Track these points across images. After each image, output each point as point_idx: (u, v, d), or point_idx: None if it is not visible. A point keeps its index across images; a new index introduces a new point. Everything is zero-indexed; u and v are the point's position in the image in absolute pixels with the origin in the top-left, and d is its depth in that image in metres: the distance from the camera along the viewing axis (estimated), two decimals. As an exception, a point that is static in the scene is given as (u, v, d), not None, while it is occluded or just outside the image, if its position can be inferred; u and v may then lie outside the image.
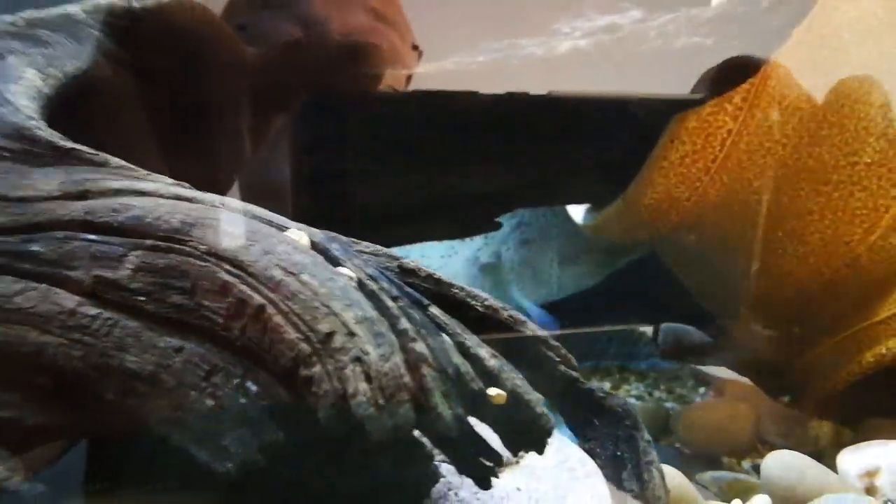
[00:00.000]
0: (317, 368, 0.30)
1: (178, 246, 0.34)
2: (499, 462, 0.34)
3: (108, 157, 0.41)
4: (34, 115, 0.43)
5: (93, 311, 0.34)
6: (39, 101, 0.44)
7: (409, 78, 0.64)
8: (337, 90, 0.64)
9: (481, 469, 0.34)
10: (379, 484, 0.33)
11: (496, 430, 0.34)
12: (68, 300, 0.34)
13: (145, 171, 0.40)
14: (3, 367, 0.34)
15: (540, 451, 0.34)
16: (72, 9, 0.51)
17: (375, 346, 0.30)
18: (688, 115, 0.56)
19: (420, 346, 0.31)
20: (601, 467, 0.38)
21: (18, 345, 0.34)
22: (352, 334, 0.30)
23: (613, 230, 0.66)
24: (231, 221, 0.34)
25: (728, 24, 0.53)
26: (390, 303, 0.33)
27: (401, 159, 0.62)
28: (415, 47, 0.63)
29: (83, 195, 0.38)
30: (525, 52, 0.52)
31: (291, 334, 0.31)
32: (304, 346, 0.30)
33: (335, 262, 0.34)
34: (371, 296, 0.33)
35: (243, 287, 0.32)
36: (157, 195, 0.37)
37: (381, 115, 0.58)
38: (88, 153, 0.41)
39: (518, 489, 0.38)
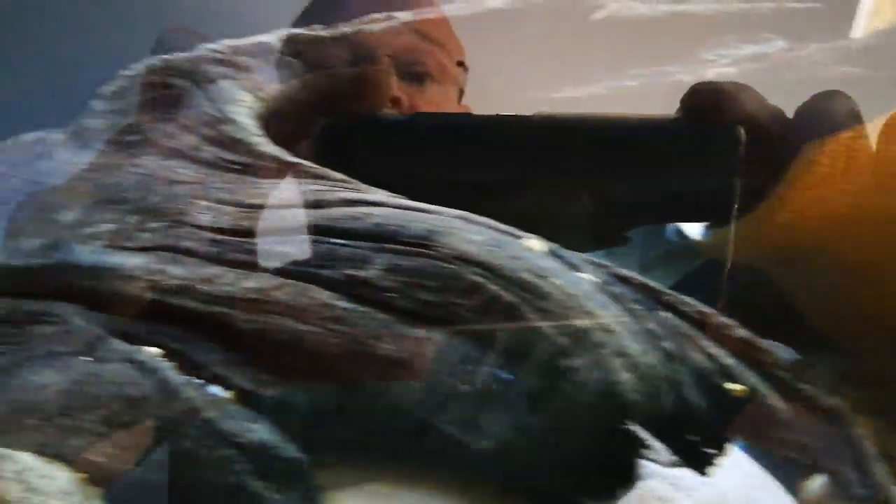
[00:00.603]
0: (578, 360, 0.34)
1: (424, 250, 0.38)
2: (721, 451, 0.37)
3: (328, 170, 0.46)
4: (257, 132, 0.48)
5: (346, 304, 0.39)
6: (256, 120, 0.50)
7: (461, 93, 0.68)
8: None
9: (704, 457, 0.37)
10: (609, 464, 0.37)
11: (722, 422, 0.38)
12: (322, 294, 0.39)
13: (364, 185, 0.45)
14: (264, 352, 0.39)
15: None
16: (266, 38, 0.57)
17: (634, 343, 0.34)
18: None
19: (668, 344, 0.35)
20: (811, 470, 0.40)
21: (278, 332, 0.39)
22: (610, 331, 0.35)
23: (737, 248, 0.69)
24: (473, 230, 0.39)
25: (875, 54, 0.56)
26: (633, 305, 0.37)
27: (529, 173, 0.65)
28: (460, 63, 0.67)
29: (318, 204, 0.43)
30: (672, 77, 0.56)
31: (548, 330, 0.35)
32: (563, 340, 0.35)
33: (574, 268, 0.39)
34: (615, 298, 0.37)
35: (493, 287, 0.37)
36: (388, 205, 0.42)
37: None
38: (310, 167, 0.46)
39: (704, 483, 0.42)
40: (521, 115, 0.54)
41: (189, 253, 0.43)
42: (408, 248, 0.39)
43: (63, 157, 0.54)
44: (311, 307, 0.39)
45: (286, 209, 0.43)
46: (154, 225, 0.45)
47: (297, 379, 0.39)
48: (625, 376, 0.34)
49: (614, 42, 0.60)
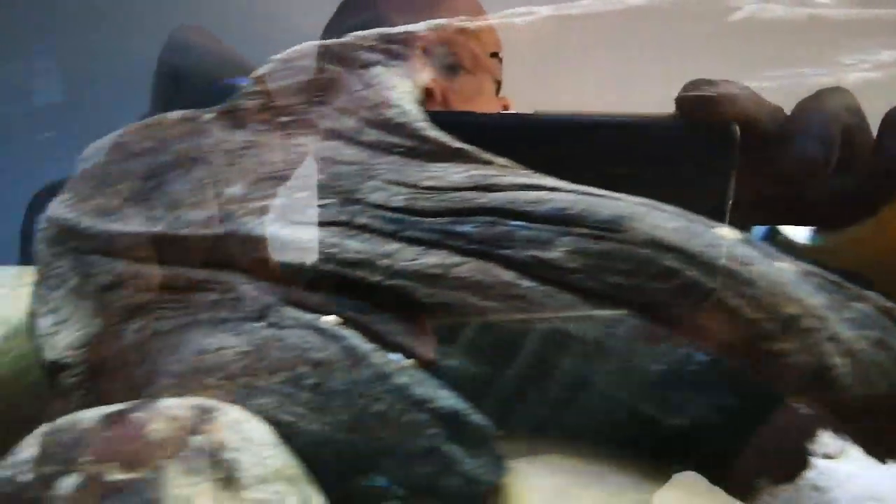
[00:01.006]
0: (787, 344, 0.36)
1: (612, 234, 0.40)
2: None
3: (492, 156, 0.48)
4: (420, 117, 0.51)
5: (529, 283, 0.41)
6: (417, 105, 0.52)
7: (499, 84, 0.68)
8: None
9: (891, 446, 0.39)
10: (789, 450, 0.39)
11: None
12: (504, 273, 0.41)
13: (528, 169, 0.47)
14: (445, 325, 0.41)
15: None
16: (416, 27, 0.59)
17: (846, 329, 0.36)
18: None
19: (873, 332, 0.36)
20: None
21: (461, 307, 0.41)
22: (820, 318, 0.36)
23: (854, 252, 0.69)
24: (662, 216, 0.41)
25: None
26: (836, 294, 0.38)
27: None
28: (494, 55, 0.67)
29: (492, 188, 0.45)
30: (811, 80, 0.57)
31: (753, 315, 0.37)
32: (770, 325, 0.36)
33: (770, 256, 0.40)
34: (819, 287, 0.38)
35: (692, 273, 0.38)
36: (565, 190, 0.44)
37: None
38: (474, 152, 0.48)
39: (857, 474, 0.43)
40: (516, 114, 0.54)
41: (365, 229, 0.45)
42: (594, 231, 0.40)
43: (218, 134, 0.57)
44: (495, 285, 0.41)
45: (460, 191, 0.45)
46: (324, 201, 0.48)
47: (476, 352, 0.41)
48: (838, 361, 0.35)
49: (751, 44, 0.61)
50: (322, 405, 0.41)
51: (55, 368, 0.53)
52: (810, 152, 0.50)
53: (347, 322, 0.44)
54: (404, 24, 1.06)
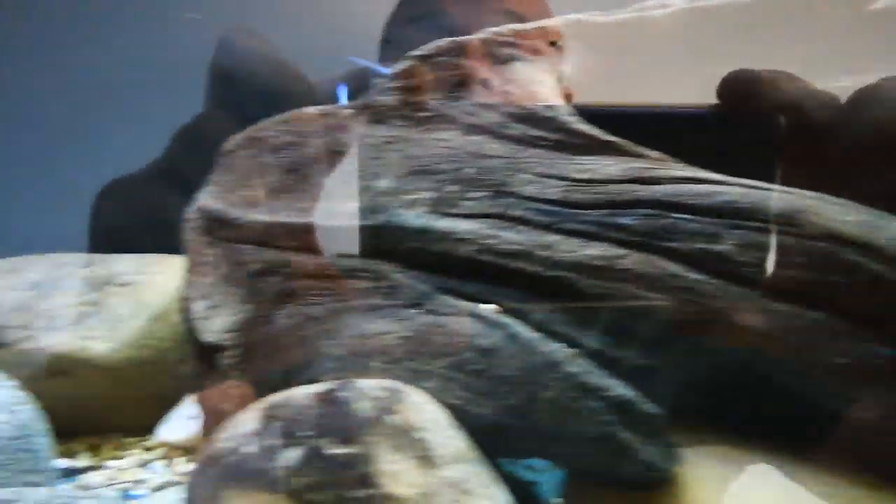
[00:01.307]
0: None
1: (787, 227, 0.40)
2: None
3: (644, 149, 0.49)
4: (567, 110, 0.52)
5: (697, 275, 0.42)
6: (563, 99, 0.53)
7: (560, 74, 0.67)
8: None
9: None
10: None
11: None
12: (670, 266, 0.42)
13: (681, 163, 0.47)
14: (608, 316, 0.43)
15: None
16: (551, 22, 0.60)
17: None
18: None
19: None
20: None
21: (625, 298, 0.42)
22: None
23: None
24: (839, 210, 0.41)
25: None
26: None
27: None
28: (552, 43, 0.66)
29: (650, 181, 0.46)
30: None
31: None
32: None
33: None
34: None
35: (877, 267, 0.38)
36: (730, 184, 0.44)
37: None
38: (625, 145, 0.49)
39: None
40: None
41: (520, 221, 0.47)
42: (768, 225, 0.41)
43: (359, 129, 0.59)
44: (661, 277, 0.42)
45: (617, 184, 0.46)
46: (476, 194, 0.50)
47: (644, 343, 0.42)
48: None
49: (892, 31, 0.59)
50: (488, 390, 0.43)
51: (212, 350, 0.57)
52: (864, 144, 0.49)
53: (506, 311, 0.45)
54: (463, 15, 1.06)
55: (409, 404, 0.37)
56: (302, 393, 0.37)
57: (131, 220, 0.93)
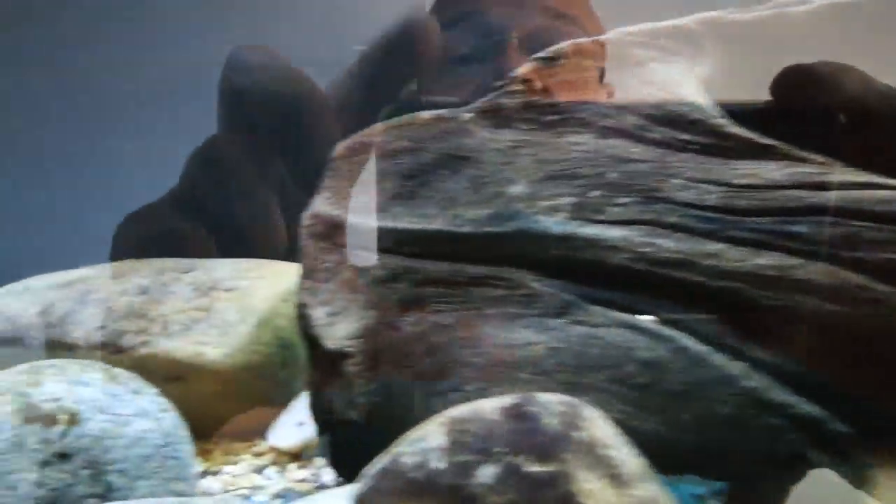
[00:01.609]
0: None
1: None
2: None
3: (807, 153, 0.47)
4: (716, 113, 0.50)
5: (887, 288, 0.39)
6: (711, 101, 0.51)
7: (602, 71, 0.64)
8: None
9: None
10: None
11: None
12: (854, 277, 0.40)
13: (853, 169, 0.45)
14: (782, 329, 0.41)
15: None
16: (683, 21, 0.58)
17: None
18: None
19: None
20: None
21: (802, 311, 0.40)
22: None
23: None
24: None
25: None
26: None
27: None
28: (598, 41, 0.63)
29: (821, 186, 0.43)
30: None
31: None
32: None
33: None
34: None
35: None
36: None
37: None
38: (785, 148, 0.47)
39: None
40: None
41: (676, 228, 0.45)
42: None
43: (482, 134, 0.58)
44: (843, 288, 0.40)
45: (784, 189, 0.44)
46: (624, 200, 0.48)
47: (820, 358, 0.40)
48: None
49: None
50: (656, 405, 0.41)
51: (336, 356, 0.57)
52: None
53: (668, 322, 0.44)
54: (502, 14, 1.04)
55: (589, 419, 0.36)
56: (487, 406, 0.36)
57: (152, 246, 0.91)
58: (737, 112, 0.51)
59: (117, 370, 0.56)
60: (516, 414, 0.34)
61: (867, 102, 0.50)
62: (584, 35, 0.77)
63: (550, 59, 0.59)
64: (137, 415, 0.53)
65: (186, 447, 0.53)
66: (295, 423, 0.70)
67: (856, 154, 0.47)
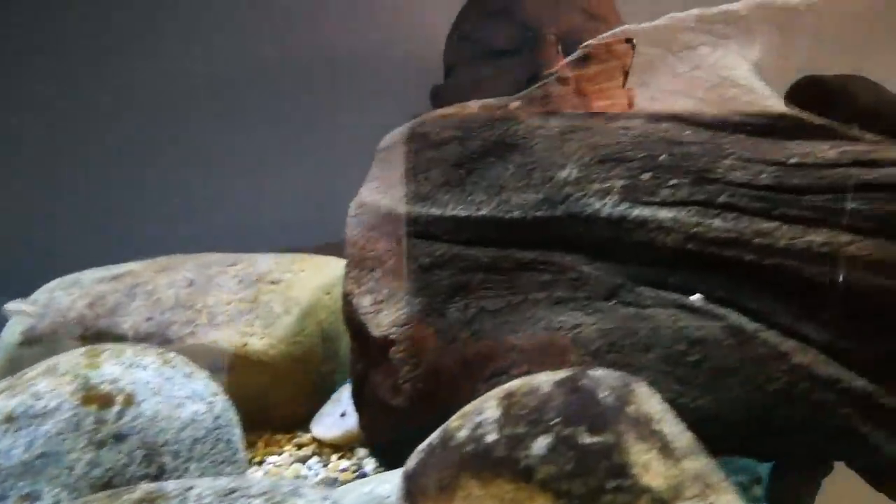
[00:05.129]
0: None
1: None
2: None
3: (860, 131, 0.48)
4: (769, 94, 0.52)
5: (944, 262, 0.41)
6: (763, 83, 0.53)
7: (626, 73, 0.65)
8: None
9: None
10: None
11: None
12: (907, 251, 0.42)
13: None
14: (836, 304, 0.42)
15: None
16: (735, 6, 0.60)
17: None
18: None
19: None
20: None
21: (858, 287, 0.42)
22: None
23: None
24: None
25: None
26: None
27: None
28: (627, 41, 0.64)
29: (874, 163, 0.45)
30: None
31: None
32: None
33: None
34: None
35: None
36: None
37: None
38: (838, 128, 0.49)
39: None
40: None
41: (728, 208, 0.47)
42: None
43: (530, 121, 0.61)
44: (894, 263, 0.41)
45: (836, 167, 0.45)
46: (674, 181, 0.50)
47: (872, 333, 0.41)
48: None
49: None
50: (708, 382, 0.43)
51: (383, 343, 0.60)
52: None
53: (718, 301, 0.46)
54: (540, 10, 1.06)
55: (641, 395, 0.38)
56: (541, 380, 0.38)
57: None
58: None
59: (171, 354, 0.60)
60: (570, 387, 0.36)
61: (879, 111, 0.52)
62: (612, 37, 0.79)
63: (601, 47, 0.62)
64: (190, 398, 0.57)
65: (236, 431, 0.56)
66: (337, 415, 0.73)
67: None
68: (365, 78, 1.22)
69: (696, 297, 0.46)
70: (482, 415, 0.37)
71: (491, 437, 0.35)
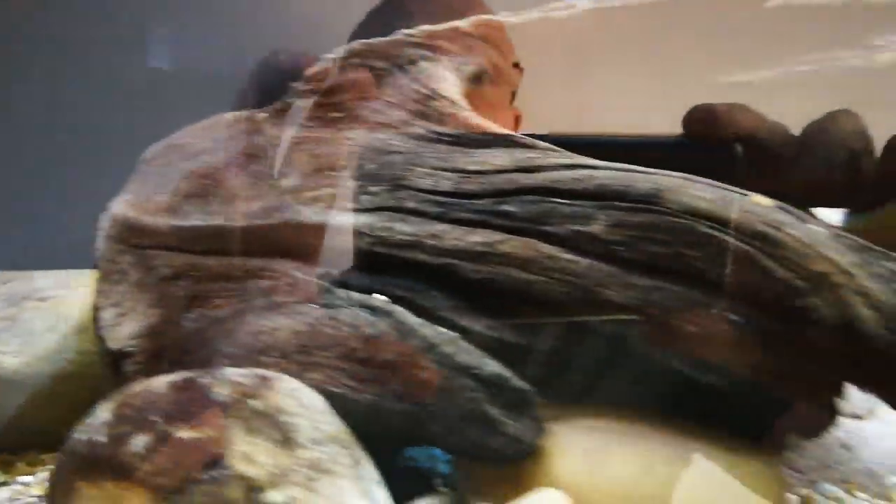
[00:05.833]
0: (814, 299, 0.40)
1: (651, 206, 0.45)
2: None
3: (535, 140, 0.53)
4: (466, 107, 0.56)
5: (571, 256, 0.45)
6: (463, 96, 0.58)
7: (513, 94, 0.73)
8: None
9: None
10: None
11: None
12: (547, 248, 0.46)
13: (568, 152, 0.52)
14: (490, 299, 0.46)
15: None
16: (460, 23, 0.65)
17: (874, 284, 0.40)
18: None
19: None
20: None
21: (505, 281, 0.46)
22: (849, 274, 0.40)
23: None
24: (700, 187, 0.45)
25: None
26: (865, 253, 0.42)
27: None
28: (515, 65, 0.72)
29: (535, 169, 0.50)
30: (844, 63, 0.61)
31: (784, 274, 0.41)
32: (799, 283, 0.40)
33: (803, 220, 0.44)
34: (850, 247, 0.42)
35: (727, 238, 0.42)
36: (607, 168, 0.48)
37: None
38: (520, 137, 0.53)
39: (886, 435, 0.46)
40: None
41: (413, 213, 0.51)
42: (633, 204, 0.45)
43: (272, 132, 0.63)
44: (537, 259, 0.46)
45: (505, 173, 0.50)
46: (375, 189, 0.53)
47: (521, 323, 0.45)
48: (866, 313, 0.39)
49: (787, 28, 0.64)
50: (372, 376, 0.46)
51: (118, 357, 0.60)
52: (818, 175, 0.58)
53: (397, 300, 0.49)
54: (433, 23, 1.11)
55: (280, 390, 0.40)
56: (160, 381, 0.40)
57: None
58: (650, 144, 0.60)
59: None
60: (182, 386, 0.38)
61: (759, 136, 0.60)
62: (503, 61, 0.83)
63: (340, 59, 0.64)
64: None
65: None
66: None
67: (751, 178, 0.55)
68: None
69: (379, 297, 0.49)
70: (97, 419, 0.38)
71: (100, 440, 0.36)
